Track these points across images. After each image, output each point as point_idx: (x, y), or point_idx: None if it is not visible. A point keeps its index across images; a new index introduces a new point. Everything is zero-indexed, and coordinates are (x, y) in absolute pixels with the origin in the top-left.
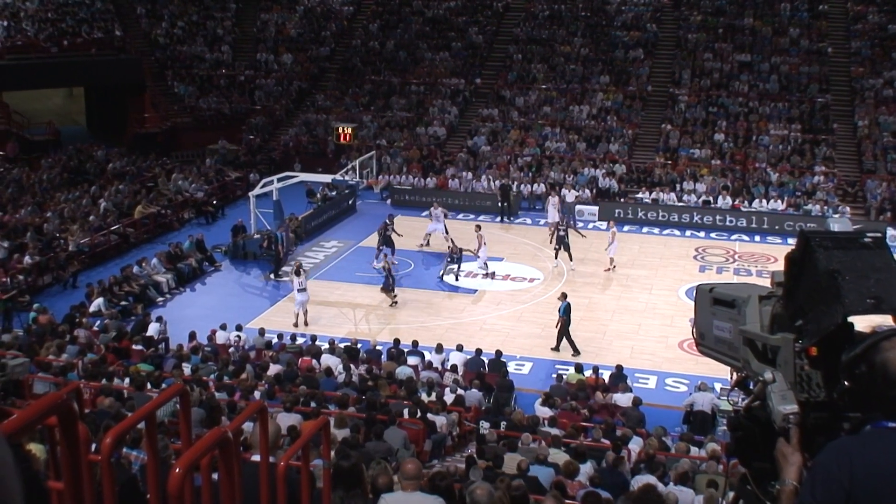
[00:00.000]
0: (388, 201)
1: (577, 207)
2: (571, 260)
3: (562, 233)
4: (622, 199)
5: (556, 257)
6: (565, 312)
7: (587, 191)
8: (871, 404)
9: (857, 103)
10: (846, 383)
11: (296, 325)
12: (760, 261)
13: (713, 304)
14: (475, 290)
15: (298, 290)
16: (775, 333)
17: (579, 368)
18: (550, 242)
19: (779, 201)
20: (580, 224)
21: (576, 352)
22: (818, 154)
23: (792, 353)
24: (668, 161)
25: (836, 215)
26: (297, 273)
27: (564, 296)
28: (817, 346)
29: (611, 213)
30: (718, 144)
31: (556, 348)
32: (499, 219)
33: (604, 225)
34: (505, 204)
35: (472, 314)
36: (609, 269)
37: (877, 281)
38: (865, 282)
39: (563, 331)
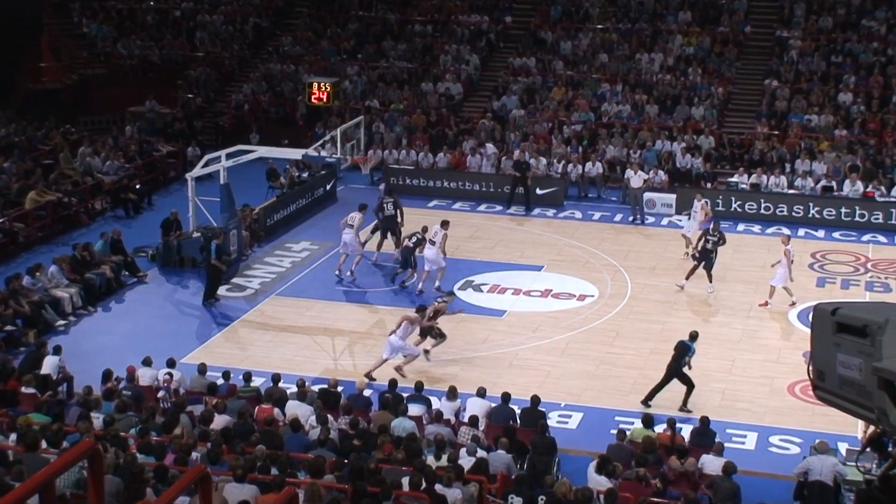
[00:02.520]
0: (382, 187)
1: (647, 196)
2: (711, 282)
3: (709, 245)
4: (709, 185)
5: (687, 279)
6: (684, 355)
7: (660, 173)
8: None
9: None
10: None
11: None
12: None
13: (837, 331)
14: (504, 311)
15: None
16: None
17: (648, 421)
18: (687, 255)
19: None
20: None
21: (684, 405)
22: None
23: None
24: (773, 132)
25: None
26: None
27: (694, 336)
28: None
29: (692, 201)
30: (844, 108)
31: (647, 401)
32: (513, 208)
33: (682, 221)
34: (520, 189)
35: (499, 344)
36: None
37: None
38: None
39: (674, 375)
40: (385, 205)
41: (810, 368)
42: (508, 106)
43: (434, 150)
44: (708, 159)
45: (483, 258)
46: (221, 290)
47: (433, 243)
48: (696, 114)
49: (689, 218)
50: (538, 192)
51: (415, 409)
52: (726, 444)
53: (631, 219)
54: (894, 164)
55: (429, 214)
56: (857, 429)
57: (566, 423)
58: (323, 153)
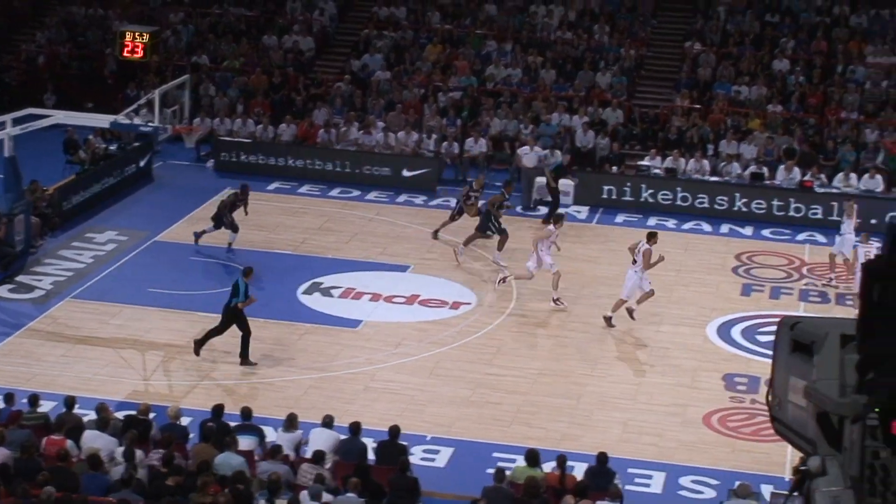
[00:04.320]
0: (211, 163)
1: (540, 181)
2: None
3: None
4: (616, 169)
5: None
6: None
7: (557, 153)
8: None
9: None
10: None
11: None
12: (847, 277)
13: (791, 350)
14: (359, 321)
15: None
16: (847, 396)
17: (534, 459)
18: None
19: (878, 177)
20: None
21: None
22: None
23: (861, 428)
24: (695, 106)
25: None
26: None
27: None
28: None
29: (596, 190)
30: (780, 79)
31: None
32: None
33: (582, 212)
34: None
35: (353, 362)
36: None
37: None
38: None
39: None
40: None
41: (769, 395)
42: (371, 66)
43: (277, 120)
44: (615, 138)
45: (335, 255)
46: (2, 291)
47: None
48: (602, 81)
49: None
50: (405, 173)
51: (245, 443)
52: (627, 487)
53: (520, 207)
54: (838, 148)
55: (273, 200)
56: (786, 468)
57: (433, 459)
58: (137, 120)
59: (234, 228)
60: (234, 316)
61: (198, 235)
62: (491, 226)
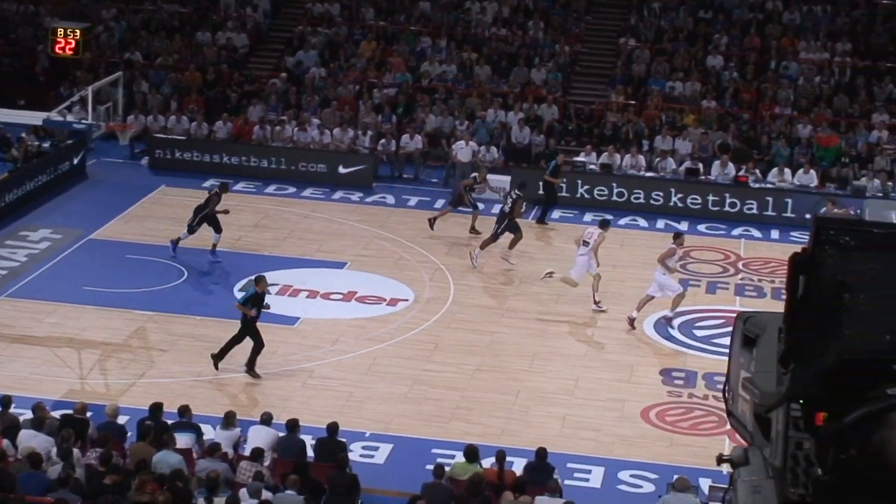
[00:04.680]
0: (145, 161)
1: (475, 176)
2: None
3: None
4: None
5: None
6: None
7: (492, 149)
8: None
9: None
10: (821, 474)
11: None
12: (781, 272)
13: (743, 344)
14: (297, 319)
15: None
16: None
17: (473, 455)
18: None
19: (812, 172)
20: (483, 206)
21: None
22: (879, 93)
23: (785, 418)
24: (630, 102)
25: (880, 195)
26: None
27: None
28: (824, 408)
29: (531, 185)
30: (714, 75)
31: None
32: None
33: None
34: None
35: (290, 359)
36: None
37: None
38: (891, 306)
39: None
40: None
41: (726, 390)
42: (306, 63)
43: (211, 117)
44: (550, 134)
45: (271, 252)
46: None
47: (586, 244)
48: (537, 78)
49: None
50: (341, 170)
51: (183, 440)
52: (566, 482)
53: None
54: (772, 143)
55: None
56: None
57: (372, 456)
58: (70, 118)
59: (218, 228)
60: (248, 326)
61: (213, 246)
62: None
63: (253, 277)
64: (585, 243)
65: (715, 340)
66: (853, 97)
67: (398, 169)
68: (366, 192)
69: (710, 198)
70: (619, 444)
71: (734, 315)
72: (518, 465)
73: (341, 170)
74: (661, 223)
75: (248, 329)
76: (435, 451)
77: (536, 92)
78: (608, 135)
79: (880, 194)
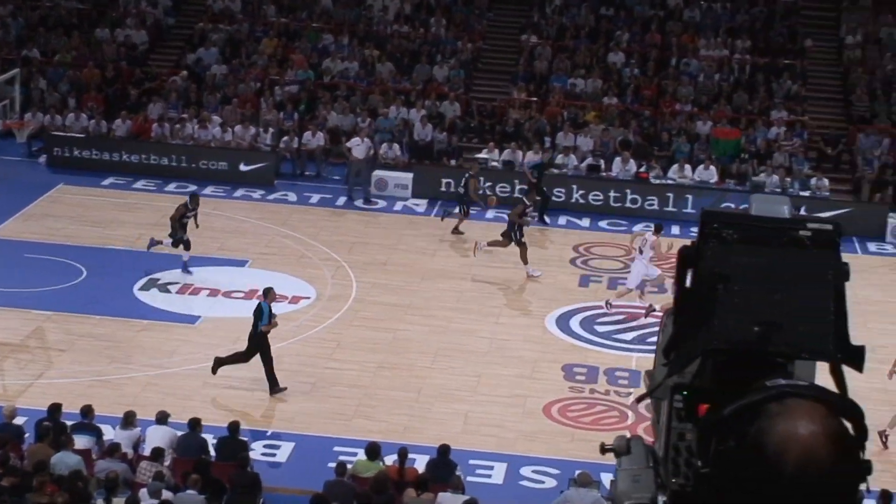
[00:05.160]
0: (43, 159)
1: (378, 175)
2: None
3: None
4: (454, 162)
5: None
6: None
7: (395, 147)
8: (742, 501)
9: (844, 6)
10: (700, 466)
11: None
12: None
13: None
14: (197, 317)
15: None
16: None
17: (375, 452)
18: None
19: (712, 168)
20: (384, 204)
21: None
22: (778, 90)
23: (668, 408)
24: (532, 98)
25: (772, 190)
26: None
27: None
28: (707, 399)
29: (434, 183)
30: (616, 71)
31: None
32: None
33: (421, 205)
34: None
35: (191, 358)
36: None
37: (784, 300)
38: (764, 299)
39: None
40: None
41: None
42: (206, 60)
43: (110, 115)
44: (453, 131)
45: (171, 251)
46: None
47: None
48: (439, 75)
49: None
50: (242, 168)
51: (81, 441)
52: (469, 478)
53: (352, 198)
54: (673, 140)
55: (107, 195)
56: None
57: (273, 454)
58: None
59: (187, 245)
60: (260, 343)
61: (153, 243)
62: (513, 235)
63: (261, 291)
64: (640, 251)
65: (616, 336)
66: (752, 94)
67: (300, 166)
68: (267, 190)
69: (612, 194)
70: (521, 440)
71: (634, 310)
72: (420, 462)
73: (243, 167)
74: (562, 219)
75: (260, 345)
76: (337, 448)
77: (439, 89)
78: (510, 132)
79: (779, 190)
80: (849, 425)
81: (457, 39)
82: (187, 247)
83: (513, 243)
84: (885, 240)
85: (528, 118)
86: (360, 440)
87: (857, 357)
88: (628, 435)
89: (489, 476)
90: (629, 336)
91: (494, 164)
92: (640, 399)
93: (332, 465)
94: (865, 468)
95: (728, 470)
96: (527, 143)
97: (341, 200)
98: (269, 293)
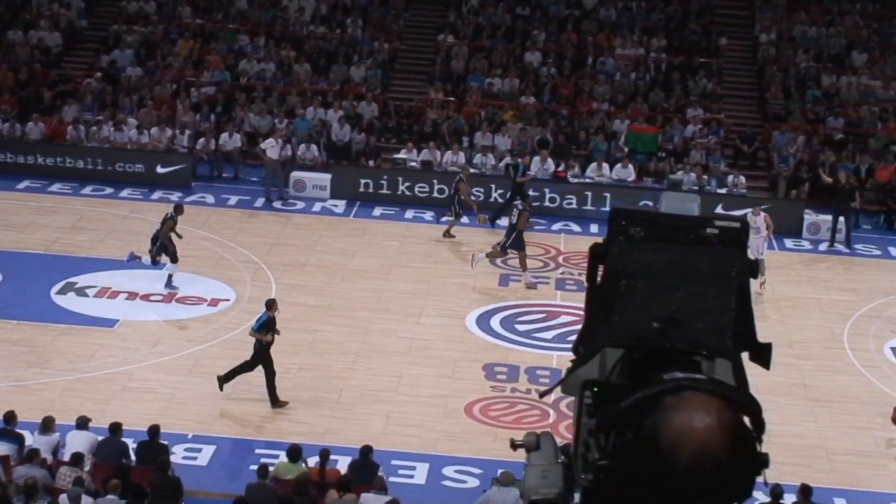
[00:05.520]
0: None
1: (296, 176)
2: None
3: None
4: (373, 162)
5: None
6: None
7: (312, 148)
8: (639, 499)
9: (758, 5)
10: (597, 459)
11: None
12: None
13: None
14: (116, 321)
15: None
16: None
17: (296, 454)
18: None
19: (630, 166)
20: (303, 205)
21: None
22: (694, 88)
23: (578, 405)
24: (449, 98)
25: (696, 188)
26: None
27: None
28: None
29: (353, 184)
30: (533, 71)
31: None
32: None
33: (339, 205)
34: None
35: (109, 362)
36: None
37: (685, 297)
38: (666, 295)
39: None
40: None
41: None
42: (121, 62)
43: (24, 117)
44: (371, 131)
45: (89, 254)
46: None
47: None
48: (357, 75)
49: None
50: (159, 170)
51: (3, 448)
52: (391, 478)
53: (270, 199)
54: (590, 138)
55: (22, 199)
56: None
57: (194, 458)
58: None
59: (174, 258)
60: (262, 353)
61: (133, 257)
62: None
63: (264, 302)
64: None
65: (536, 335)
66: (668, 92)
67: (217, 168)
68: (185, 192)
69: (530, 193)
70: (443, 440)
71: (553, 309)
72: (343, 464)
73: (159, 169)
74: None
75: (261, 356)
76: (259, 451)
77: (356, 89)
78: (428, 132)
79: (696, 187)
80: (747, 420)
81: (373, 40)
82: (174, 259)
83: (509, 251)
84: (801, 236)
85: (446, 118)
86: (281, 442)
87: (763, 354)
88: (538, 431)
89: (412, 476)
90: (549, 335)
91: (413, 164)
92: (543, 394)
93: (254, 467)
94: (762, 461)
95: (625, 463)
96: (445, 142)
97: (259, 202)
98: (271, 305)
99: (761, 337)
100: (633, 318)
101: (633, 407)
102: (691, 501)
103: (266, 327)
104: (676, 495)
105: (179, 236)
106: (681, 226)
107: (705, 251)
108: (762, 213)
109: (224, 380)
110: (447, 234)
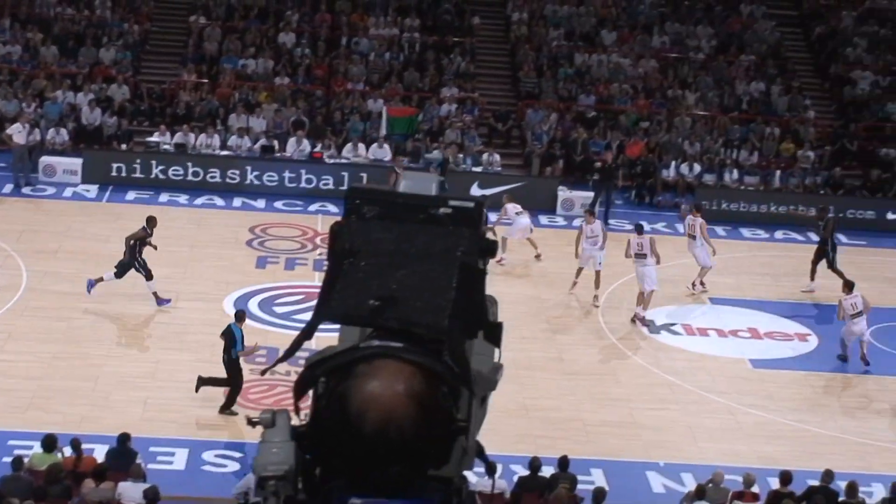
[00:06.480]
0: None
1: (46, 161)
2: None
3: None
4: (125, 146)
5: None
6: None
7: (62, 131)
8: (333, 463)
9: None
10: (297, 426)
11: None
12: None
13: None
14: None
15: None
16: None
17: (51, 444)
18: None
19: (386, 146)
20: (53, 191)
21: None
22: (448, 67)
23: (313, 390)
24: (202, 80)
25: (452, 167)
26: None
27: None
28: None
29: (105, 168)
30: (287, 51)
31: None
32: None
33: (91, 190)
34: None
35: None
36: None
37: (406, 276)
38: (388, 274)
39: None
40: None
41: None
42: None
43: None
44: (122, 114)
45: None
46: None
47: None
48: (106, 57)
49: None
50: None
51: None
52: (150, 465)
53: (18, 185)
54: (346, 119)
55: None
56: None
57: None
58: None
59: (149, 276)
60: (235, 367)
61: (92, 284)
62: None
63: (233, 314)
64: (692, 236)
65: (295, 317)
66: (423, 72)
67: None
68: None
69: (287, 174)
70: (202, 425)
71: (312, 290)
72: (100, 452)
73: None
74: (237, 201)
75: (234, 369)
76: (12, 442)
77: (106, 72)
78: (182, 114)
79: (452, 166)
80: (446, 389)
81: (123, 21)
82: (149, 277)
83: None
84: (556, 212)
85: (200, 100)
86: (36, 433)
87: (494, 333)
88: (275, 409)
89: (171, 462)
90: (308, 316)
91: (167, 146)
92: (264, 371)
93: (9, 459)
94: (455, 430)
95: (319, 430)
96: (199, 125)
97: (8, 188)
98: (240, 316)
99: (516, 313)
100: (351, 295)
101: (328, 373)
102: (382, 468)
103: (242, 342)
104: (366, 462)
105: (154, 247)
106: (413, 205)
107: (434, 230)
108: (690, 214)
109: (202, 384)
110: None
